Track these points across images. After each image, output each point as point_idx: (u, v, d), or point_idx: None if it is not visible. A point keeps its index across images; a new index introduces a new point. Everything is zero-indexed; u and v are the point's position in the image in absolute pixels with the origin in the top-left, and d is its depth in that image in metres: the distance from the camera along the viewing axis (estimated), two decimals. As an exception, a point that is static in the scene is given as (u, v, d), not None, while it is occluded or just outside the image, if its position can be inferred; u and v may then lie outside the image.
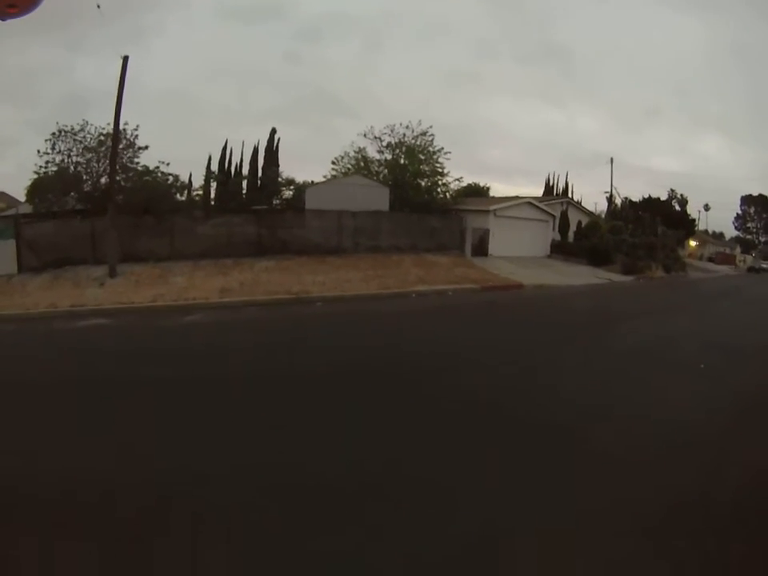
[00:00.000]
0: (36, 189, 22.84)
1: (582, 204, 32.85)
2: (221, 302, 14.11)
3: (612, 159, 36.06)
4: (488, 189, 32.97)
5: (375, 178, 24.98)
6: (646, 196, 38.87)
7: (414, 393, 5.98)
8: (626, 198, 38.71)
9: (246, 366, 7.23)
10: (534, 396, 5.96)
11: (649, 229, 30.46)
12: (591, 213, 32.41)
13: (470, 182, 30.72)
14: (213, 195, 28.65)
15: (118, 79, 16.88)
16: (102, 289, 15.66)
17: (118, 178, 19.38)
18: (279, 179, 27.09)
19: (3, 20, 3.18)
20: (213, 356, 8.05)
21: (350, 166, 27.04)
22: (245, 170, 29.18)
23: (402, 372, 6.94)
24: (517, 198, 26.38)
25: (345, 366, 7.21)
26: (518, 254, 23.85)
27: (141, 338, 10.10)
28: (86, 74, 44.02)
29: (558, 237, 27.72)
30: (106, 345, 9.43)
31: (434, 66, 53.56)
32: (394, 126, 26.60)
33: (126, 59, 16.93)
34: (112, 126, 17.99)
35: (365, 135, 27.14)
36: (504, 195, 30.06)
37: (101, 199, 19.64)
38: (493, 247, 23.75)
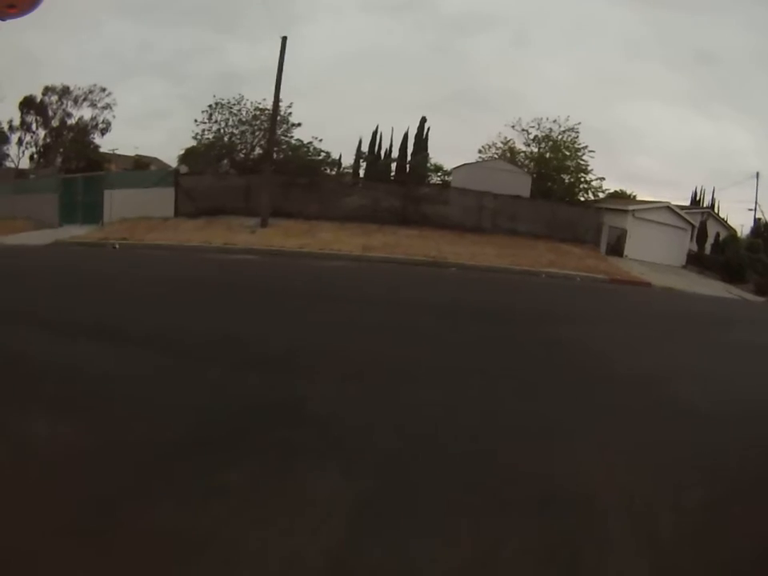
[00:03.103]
0: (190, 154, 25.47)
1: (728, 221, 30.86)
2: (363, 255, 15.55)
3: (758, 174, 32.53)
4: (635, 197, 31.69)
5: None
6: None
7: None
8: None
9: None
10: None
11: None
12: (732, 227, 30.41)
13: (616, 189, 30.03)
14: (362, 175, 29.97)
15: (278, 57, 18.99)
16: (253, 235, 17.67)
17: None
18: (428, 164, 27.82)
19: (3, 20, 3.27)
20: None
21: (495, 156, 27.71)
22: (394, 154, 30.06)
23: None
24: (657, 202, 25.55)
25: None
26: (652, 259, 23.46)
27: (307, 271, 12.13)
28: (237, 56, 47.94)
29: (694, 247, 26.53)
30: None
31: (580, 66, 52.13)
32: (541, 119, 26.88)
33: (284, 40, 18.95)
34: (273, 95, 19.92)
35: (512, 127, 27.56)
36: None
37: (253, 168, 21.69)
38: (628, 249, 23.53)
